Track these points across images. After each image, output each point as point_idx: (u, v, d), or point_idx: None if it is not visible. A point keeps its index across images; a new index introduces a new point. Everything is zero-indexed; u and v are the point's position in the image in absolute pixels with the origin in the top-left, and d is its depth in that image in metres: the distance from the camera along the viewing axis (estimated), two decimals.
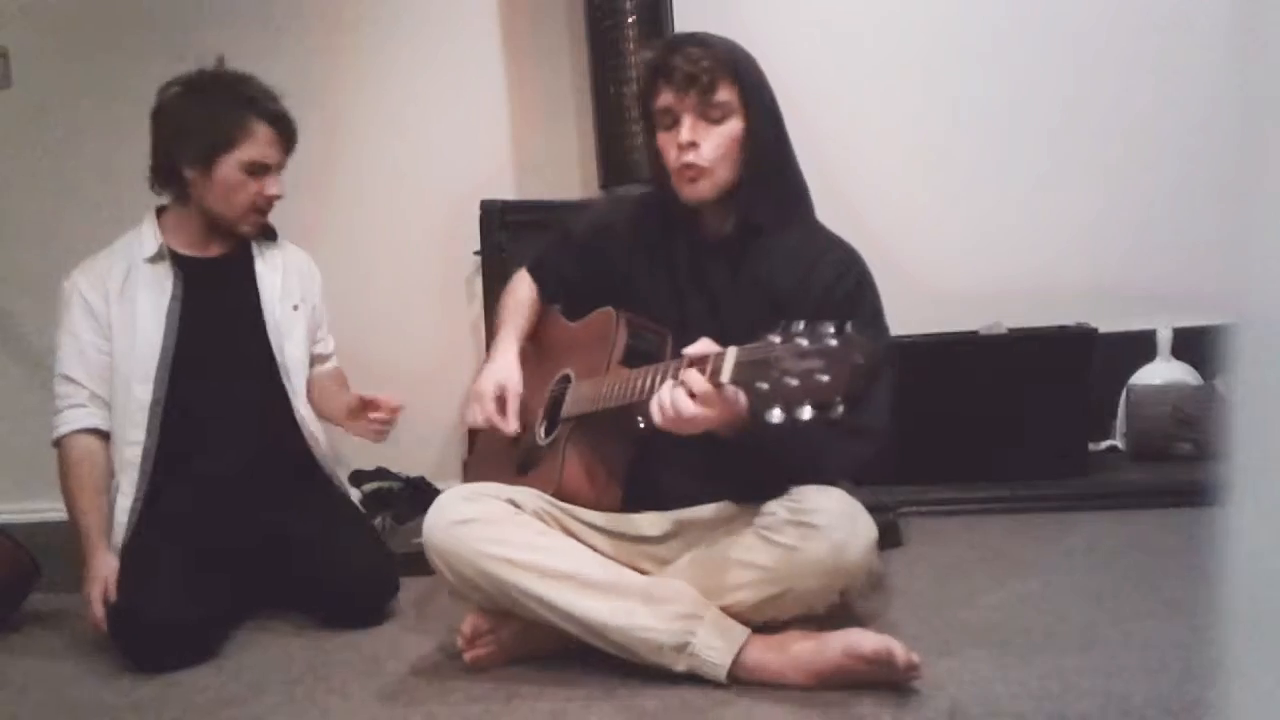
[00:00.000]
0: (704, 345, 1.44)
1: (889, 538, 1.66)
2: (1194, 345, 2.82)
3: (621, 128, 2.86)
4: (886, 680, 1.47)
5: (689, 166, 1.64)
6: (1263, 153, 0.52)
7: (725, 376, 1.35)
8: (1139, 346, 2.90)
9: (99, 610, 1.91)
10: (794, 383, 1.24)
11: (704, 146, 1.63)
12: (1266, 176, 0.52)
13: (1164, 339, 2.87)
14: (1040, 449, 2.66)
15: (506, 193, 3.21)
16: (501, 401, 1.78)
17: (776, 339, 1.27)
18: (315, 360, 2.34)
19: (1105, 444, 2.93)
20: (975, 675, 1.52)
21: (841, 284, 1.63)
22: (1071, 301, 2.86)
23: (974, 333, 2.80)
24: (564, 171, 3.25)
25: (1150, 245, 2.96)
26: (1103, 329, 2.71)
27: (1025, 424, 2.66)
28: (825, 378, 1.22)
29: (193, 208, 2.14)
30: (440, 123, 3.33)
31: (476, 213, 2.89)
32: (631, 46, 2.86)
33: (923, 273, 3.00)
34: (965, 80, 3.06)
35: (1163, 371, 2.86)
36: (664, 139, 1.67)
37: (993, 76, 3.05)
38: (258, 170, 2.10)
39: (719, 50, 1.63)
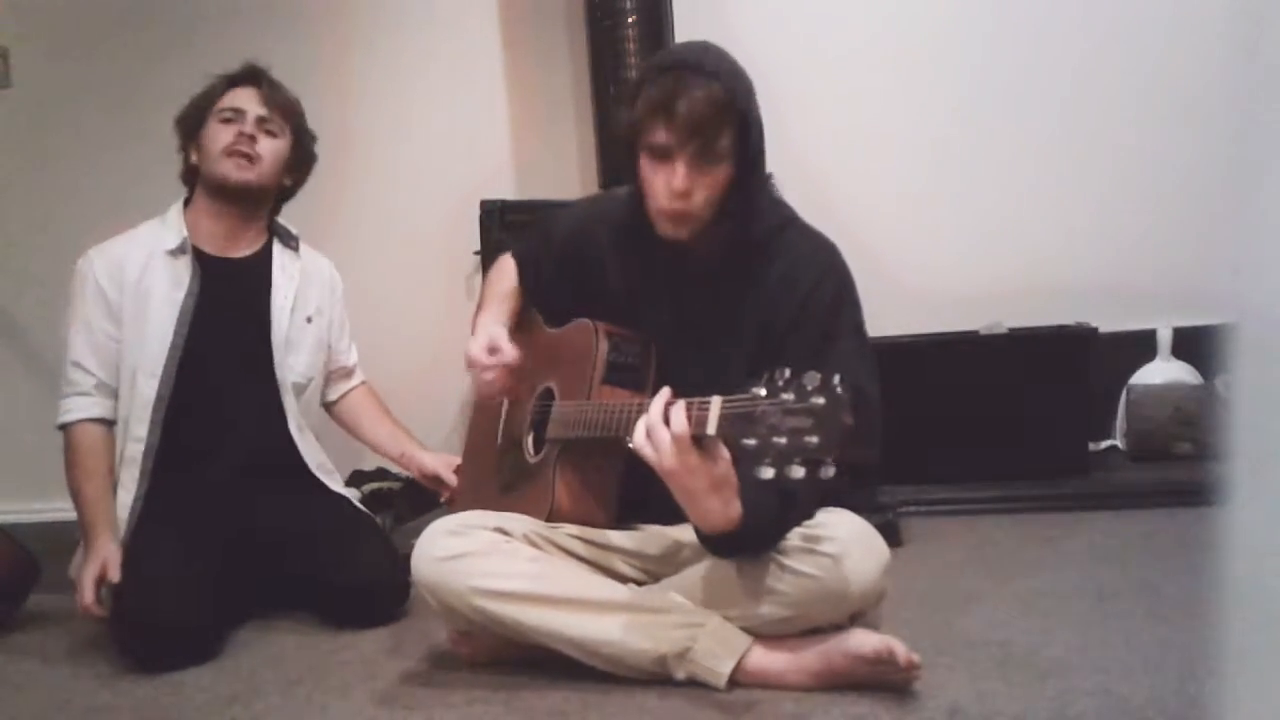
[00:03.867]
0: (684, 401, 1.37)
1: (889, 538, 1.67)
2: (1194, 345, 2.82)
3: (621, 128, 2.85)
4: (888, 680, 1.47)
5: (676, 212, 1.55)
6: (1263, 153, 0.52)
7: (711, 428, 1.30)
8: (1139, 346, 2.90)
9: (90, 591, 1.90)
10: (782, 441, 1.20)
11: (696, 195, 1.53)
12: (1266, 176, 0.52)
13: (1164, 339, 2.87)
14: (1040, 449, 2.66)
15: (506, 193, 3.21)
16: (494, 349, 1.69)
17: (761, 391, 1.23)
18: (339, 374, 2.35)
19: (1105, 444, 2.93)
20: (975, 675, 1.52)
21: (819, 294, 1.57)
22: (1071, 301, 2.86)
23: (974, 333, 2.80)
24: (564, 171, 3.25)
25: (1150, 245, 2.96)
26: (1103, 329, 2.71)
27: (1025, 424, 2.66)
28: (814, 439, 1.19)
29: (200, 188, 2.18)
30: (440, 123, 3.33)
31: (476, 213, 2.89)
32: (631, 46, 2.86)
33: (923, 273, 3.00)
34: (965, 80, 3.06)
35: (1163, 371, 2.86)
36: (651, 171, 1.56)
37: (993, 76, 3.04)
38: (232, 116, 2.14)
39: (725, 94, 1.50)
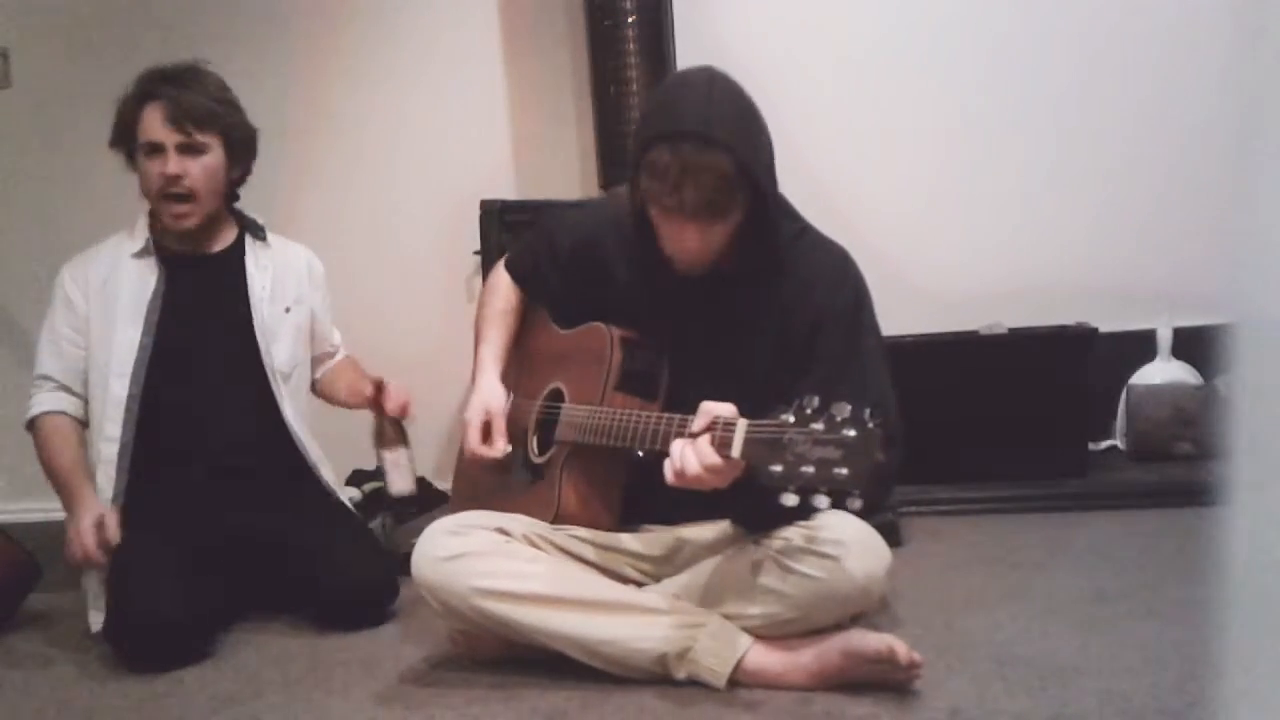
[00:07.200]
0: (710, 410, 1.37)
1: (889, 538, 1.67)
2: (1194, 345, 2.82)
3: (621, 128, 2.85)
4: (888, 679, 1.47)
5: (688, 262, 1.58)
6: (1263, 153, 0.52)
7: (735, 451, 1.30)
8: (1139, 346, 2.90)
9: (90, 536, 1.91)
10: (809, 470, 1.20)
11: (709, 246, 1.55)
12: (1266, 176, 0.52)
13: (1164, 339, 2.87)
14: (1040, 449, 2.65)
15: (506, 193, 3.21)
16: (487, 427, 1.75)
17: (790, 418, 1.23)
18: (324, 357, 2.34)
19: (1105, 444, 2.93)
20: (975, 675, 1.52)
21: (837, 302, 1.58)
22: (1071, 301, 2.86)
23: (974, 333, 2.80)
24: (564, 171, 3.25)
25: (1150, 245, 2.95)
26: (1103, 329, 2.71)
27: (1025, 424, 2.65)
28: (843, 471, 1.18)
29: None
30: (440, 123, 3.33)
31: (476, 213, 2.89)
32: (631, 47, 2.86)
33: (923, 273, 2.99)
34: (967, 82, 3.05)
35: (1163, 371, 2.86)
36: (661, 220, 1.55)
37: (994, 78, 3.04)
38: (155, 151, 2.06)
39: (731, 166, 1.46)
